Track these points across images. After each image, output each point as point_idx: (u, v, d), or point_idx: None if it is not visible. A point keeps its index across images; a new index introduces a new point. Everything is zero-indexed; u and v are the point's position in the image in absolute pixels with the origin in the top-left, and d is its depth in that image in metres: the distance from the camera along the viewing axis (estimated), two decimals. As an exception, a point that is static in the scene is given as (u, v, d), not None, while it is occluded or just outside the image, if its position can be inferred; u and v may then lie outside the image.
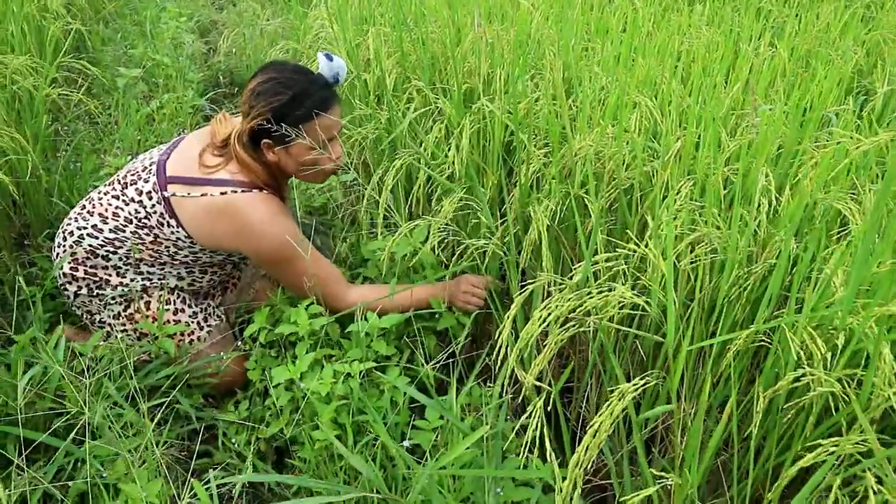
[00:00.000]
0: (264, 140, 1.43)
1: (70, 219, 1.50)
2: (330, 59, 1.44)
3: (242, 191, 1.42)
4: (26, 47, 2.24)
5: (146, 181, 1.46)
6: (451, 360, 1.67)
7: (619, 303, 0.95)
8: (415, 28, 2.12)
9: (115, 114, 2.76)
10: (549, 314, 0.93)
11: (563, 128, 1.47)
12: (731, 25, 2.72)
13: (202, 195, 1.41)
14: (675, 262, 1.08)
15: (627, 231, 1.30)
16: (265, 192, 1.45)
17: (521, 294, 0.99)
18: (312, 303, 1.49)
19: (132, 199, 1.46)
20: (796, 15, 2.82)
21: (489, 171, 1.39)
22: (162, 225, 1.45)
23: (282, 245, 1.43)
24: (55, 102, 2.54)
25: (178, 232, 1.45)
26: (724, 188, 1.41)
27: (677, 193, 1.20)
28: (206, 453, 1.45)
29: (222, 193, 1.41)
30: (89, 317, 1.53)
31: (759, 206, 1.24)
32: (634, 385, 0.86)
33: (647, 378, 0.90)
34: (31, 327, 1.45)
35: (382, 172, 1.54)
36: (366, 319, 1.40)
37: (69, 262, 1.48)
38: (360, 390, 1.37)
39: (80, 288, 1.50)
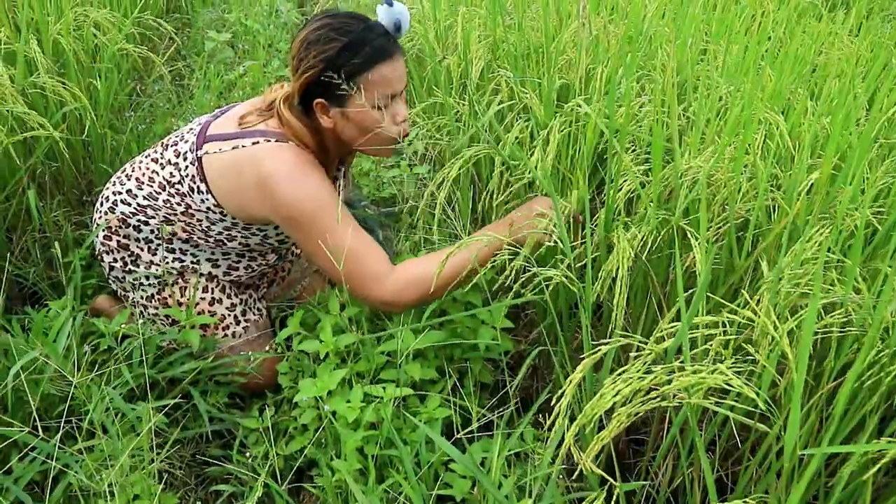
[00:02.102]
0: (317, 100, 1.24)
1: (110, 182, 1.40)
2: (390, 3, 1.23)
3: (276, 140, 1.25)
4: (112, 1, 2.18)
5: (186, 142, 1.32)
6: (503, 391, 1.47)
7: (718, 384, 0.72)
8: (513, 12, 1.91)
9: (199, 78, 2.70)
10: (626, 386, 0.72)
11: (667, 141, 1.23)
12: (880, 37, 2.35)
13: (233, 148, 1.26)
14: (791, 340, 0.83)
15: (736, 287, 1.06)
16: (301, 147, 1.26)
17: (591, 355, 0.78)
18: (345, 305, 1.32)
19: (169, 162, 1.33)
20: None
21: (575, 183, 1.18)
22: (192, 191, 1.30)
23: (305, 200, 1.21)
24: (137, 61, 2.50)
25: (207, 200, 1.30)
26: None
27: (808, 240, 0.95)
28: (222, 458, 1.32)
29: (254, 143, 1.25)
30: (123, 293, 1.44)
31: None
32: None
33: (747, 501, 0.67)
34: (66, 295, 1.36)
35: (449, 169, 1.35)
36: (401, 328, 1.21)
37: (104, 231, 1.38)
38: (394, 416, 1.19)
39: (114, 260, 1.39)
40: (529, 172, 1.28)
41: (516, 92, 1.59)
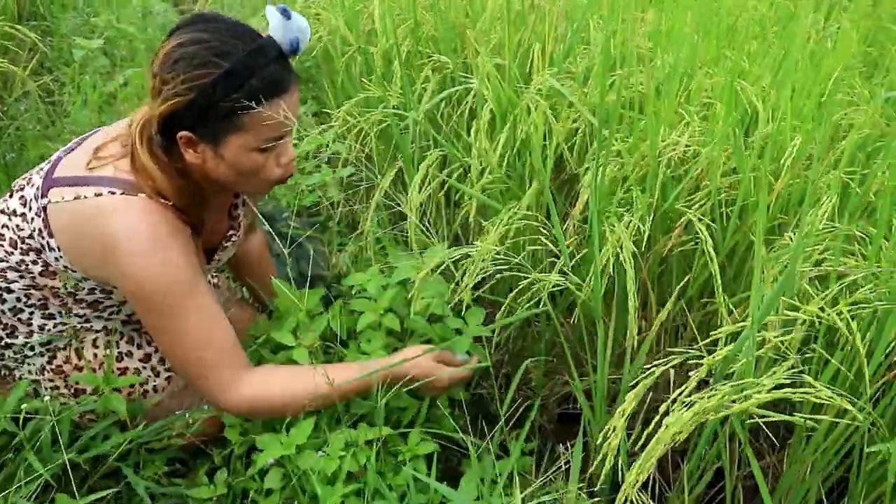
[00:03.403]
0: (182, 133, 0.99)
1: None
2: (287, 15, 0.98)
3: (122, 192, 0.99)
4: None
5: (33, 185, 1.05)
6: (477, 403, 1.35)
7: (807, 398, 0.62)
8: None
9: (72, 92, 2.37)
10: (687, 410, 0.61)
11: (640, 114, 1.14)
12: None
13: (75, 198, 1.00)
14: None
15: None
16: (155, 202, 1.01)
17: (643, 379, 0.66)
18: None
19: (14, 212, 1.06)
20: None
21: (537, 176, 1.06)
22: (44, 248, 1.04)
23: (149, 278, 0.99)
24: (-6, 77, 2.15)
25: (61, 258, 1.04)
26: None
27: (821, 209, 0.88)
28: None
29: (97, 195, 0.99)
30: (8, 372, 1.17)
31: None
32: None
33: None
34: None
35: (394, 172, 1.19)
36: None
37: None
38: (374, 460, 1.04)
39: (-13, 339, 1.13)
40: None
41: (451, 76, 1.46)
